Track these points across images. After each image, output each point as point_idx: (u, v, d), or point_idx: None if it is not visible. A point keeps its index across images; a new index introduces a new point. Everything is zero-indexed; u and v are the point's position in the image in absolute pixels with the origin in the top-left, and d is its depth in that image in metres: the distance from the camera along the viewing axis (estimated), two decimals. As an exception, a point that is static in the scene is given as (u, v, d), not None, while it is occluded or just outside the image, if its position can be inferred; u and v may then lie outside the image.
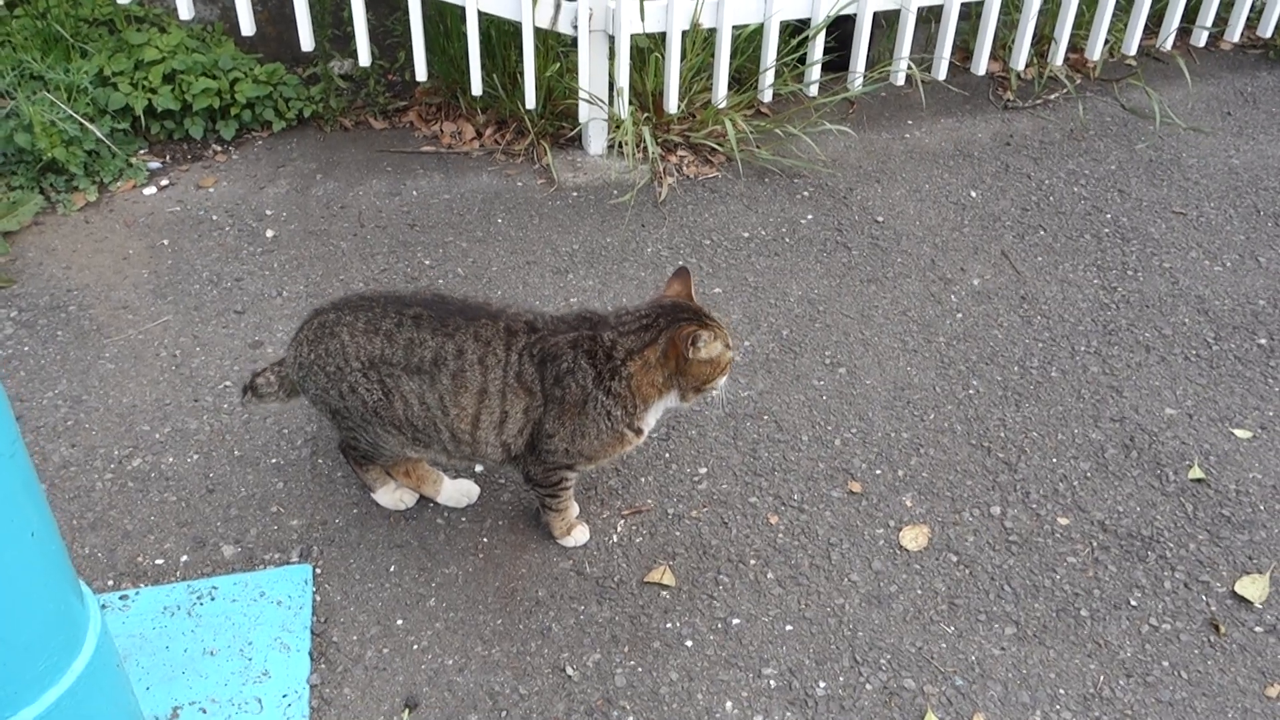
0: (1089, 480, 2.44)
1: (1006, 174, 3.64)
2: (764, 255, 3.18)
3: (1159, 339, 2.89)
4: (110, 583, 2.11)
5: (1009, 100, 4.11)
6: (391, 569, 2.15)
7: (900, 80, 3.86)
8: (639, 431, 1.97)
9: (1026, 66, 4.13)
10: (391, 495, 2.23)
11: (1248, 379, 2.75)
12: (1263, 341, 2.88)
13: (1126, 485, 2.42)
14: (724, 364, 1.92)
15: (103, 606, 2.00)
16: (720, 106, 3.61)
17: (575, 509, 2.22)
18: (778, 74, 3.72)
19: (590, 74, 3.42)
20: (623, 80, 3.42)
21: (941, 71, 3.89)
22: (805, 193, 3.50)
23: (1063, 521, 2.33)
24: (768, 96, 3.74)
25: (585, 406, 1.89)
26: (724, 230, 3.29)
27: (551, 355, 1.88)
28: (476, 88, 3.44)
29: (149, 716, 1.82)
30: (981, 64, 3.94)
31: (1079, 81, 4.22)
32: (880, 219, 3.37)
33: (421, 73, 3.44)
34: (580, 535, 2.20)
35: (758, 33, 3.65)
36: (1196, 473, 2.45)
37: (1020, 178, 3.62)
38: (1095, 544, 2.28)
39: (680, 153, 3.65)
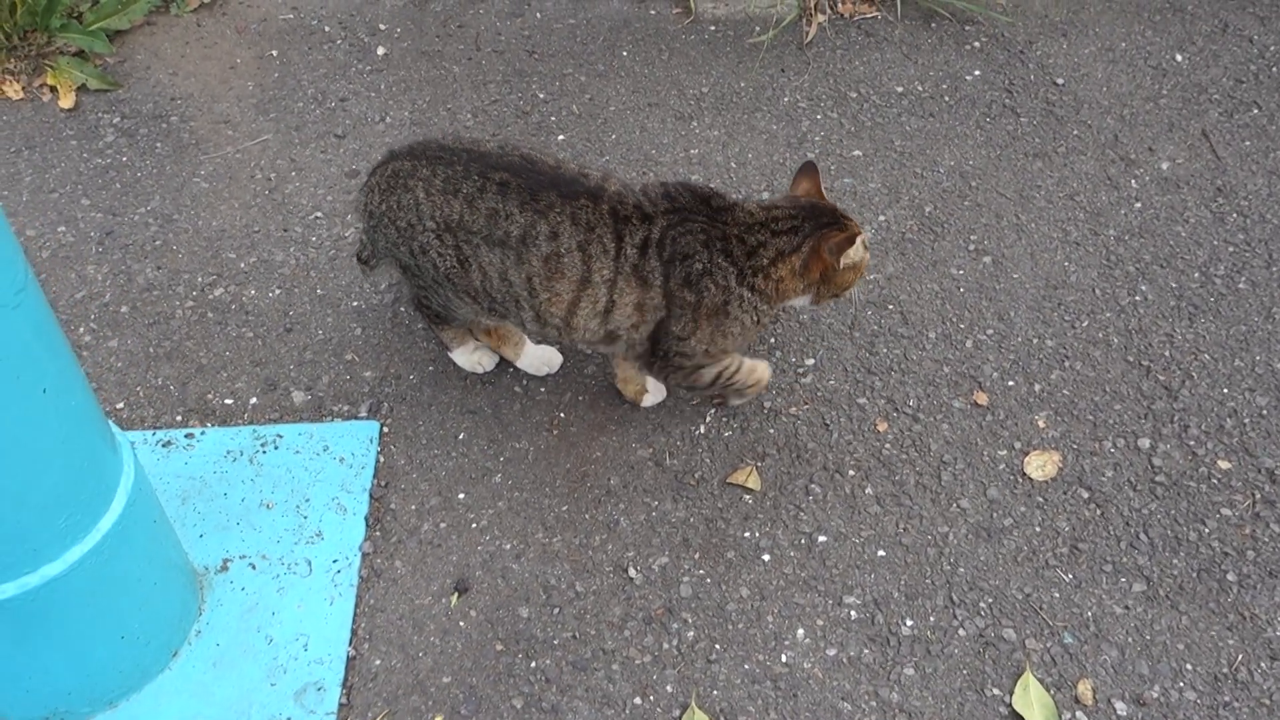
0: (1264, 419, 2.08)
1: (1224, 35, 3.08)
2: (916, 115, 2.79)
3: (1382, 254, 2.42)
4: (179, 418, 2.05)
5: (1242, -57, 3.45)
6: (460, 436, 2.03)
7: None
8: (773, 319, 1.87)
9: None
10: (470, 356, 2.08)
11: None
12: None
13: (1310, 430, 2.06)
14: (862, 268, 1.82)
15: (167, 443, 1.95)
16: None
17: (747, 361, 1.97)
18: (962, -103, 3.19)
19: (741, -113, 2.99)
20: (778, -104, 2.98)
21: (1163, -96, 3.26)
22: (976, 43, 3.04)
23: (1223, 465, 2.00)
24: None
25: (728, 306, 1.75)
26: (874, 82, 2.90)
27: (682, 255, 1.71)
28: (612, -103, 3.06)
29: (199, 566, 1.78)
30: (1215, -103, 3.29)
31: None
32: (1060, 81, 2.90)
33: (553, -124, 3.08)
34: (764, 370, 1.98)
35: None
36: (1401, 424, 2.06)
37: (1240, 41, 3.05)
38: (1259, 496, 1.95)
39: (841, -15, 3.22)
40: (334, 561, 1.80)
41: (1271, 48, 3.02)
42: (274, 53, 2.97)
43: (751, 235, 1.74)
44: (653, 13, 3.14)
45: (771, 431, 2.05)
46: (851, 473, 1.98)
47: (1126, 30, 3.10)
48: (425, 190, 1.74)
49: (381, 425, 2.04)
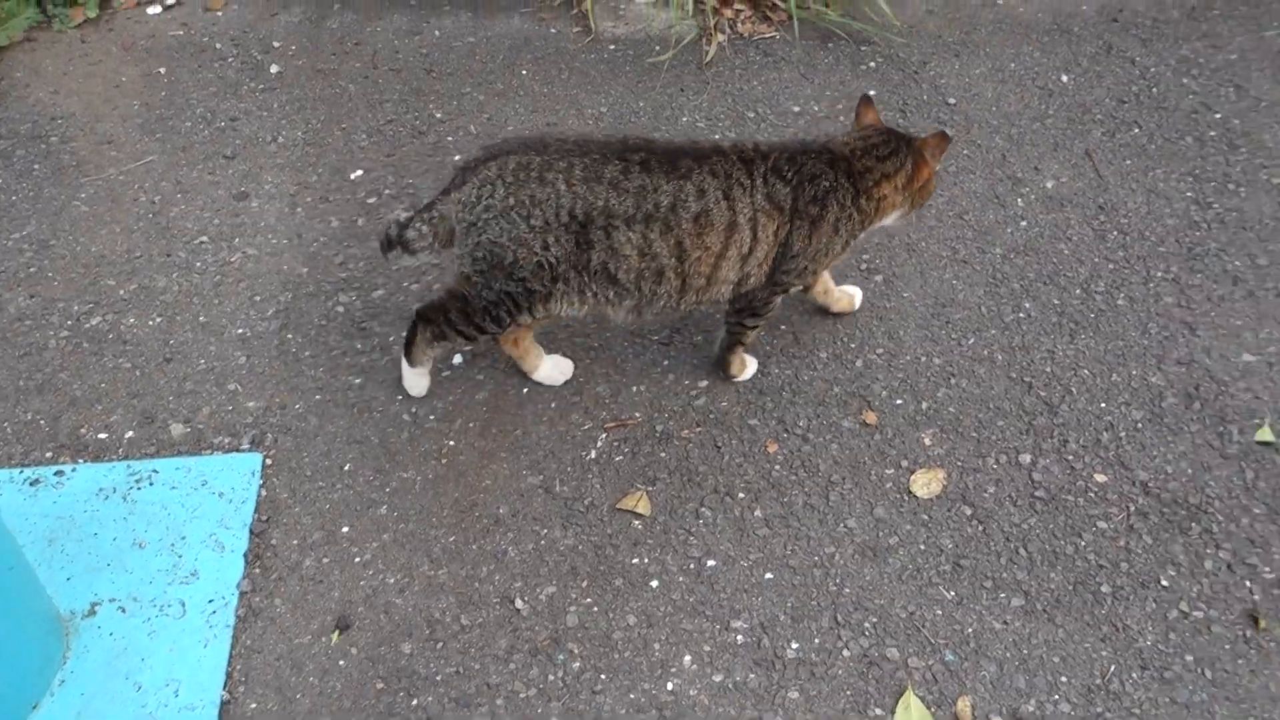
0: (1139, 432, 2.15)
1: (1108, 56, 3.18)
2: (813, 135, 2.82)
3: (1250, 269, 2.51)
4: (49, 454, 1.98)
5: (1126, -34, 3.57)
6: (346, 467, 1.99)
7: (998, -64, 3.35)
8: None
9: (1151, -73, 3.56)
10: (422, 381, 2.08)
11: (1349, 327, 2.38)
12: (1376, 283, 2.49)
13: (1181, 442, 2.13)
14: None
15: (35, 482, 1.88)
16: (785, -45, 3.17)
17: None
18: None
19: (638, -93, 3.00)
20: (674, -83, 3.00)
21: (1049, -72, 3.37)
22: (872, 63, 3.10)
23: (1100, 478, 2.06)
24: (841, -54, 3.27)
25: (839, 224, 1.94)
26: (772, 101, 2.93)
27: (810, 176, 1.90)
28: (509, -85, 3.05)
29: (65, 611, 1.72)
30: (1098, -79, 3.40)
31: (1213, -52, 3.64)
32: (952, 101, 2.97)
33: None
34: (751, 366, 2.18)
35: None
36: (1265, 434, 2.14)
37: (1123, 62, 3.16)
38: (1133, 508, 2.01)
39: (738, 6, 3.25)
40: (210, 602, 1.75)
41: (1152, 69, 3.13)
42: (161, 70, 2.90)
43: (860, 161, 1.95)
44: (553, 31, 3.14)
45: (663, 455, 2.05)
46: (742, 495, 1.99)
47: (1016, 51, 3.18)
48: (566, 181, 1.78)
49: (264, 457, 1.99)
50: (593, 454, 2.04)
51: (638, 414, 2.11)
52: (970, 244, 2.53)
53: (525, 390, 2.14)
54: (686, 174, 1.82)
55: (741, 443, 2.08)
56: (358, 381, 2.14)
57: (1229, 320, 2.39)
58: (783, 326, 2.31)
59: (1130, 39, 3.26)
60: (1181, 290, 2.45)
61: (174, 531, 1.83)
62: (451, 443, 2.04)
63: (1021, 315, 2.38)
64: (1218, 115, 2.97)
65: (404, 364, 2.04)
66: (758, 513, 1.97)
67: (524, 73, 2.97)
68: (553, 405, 2.11)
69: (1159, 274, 2.49)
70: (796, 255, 1.93)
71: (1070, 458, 2.10)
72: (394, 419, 2.07)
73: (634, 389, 2.16)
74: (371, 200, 2.55)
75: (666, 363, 2.22)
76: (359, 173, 2.62)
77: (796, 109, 2.90)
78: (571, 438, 2.06)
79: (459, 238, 1.83)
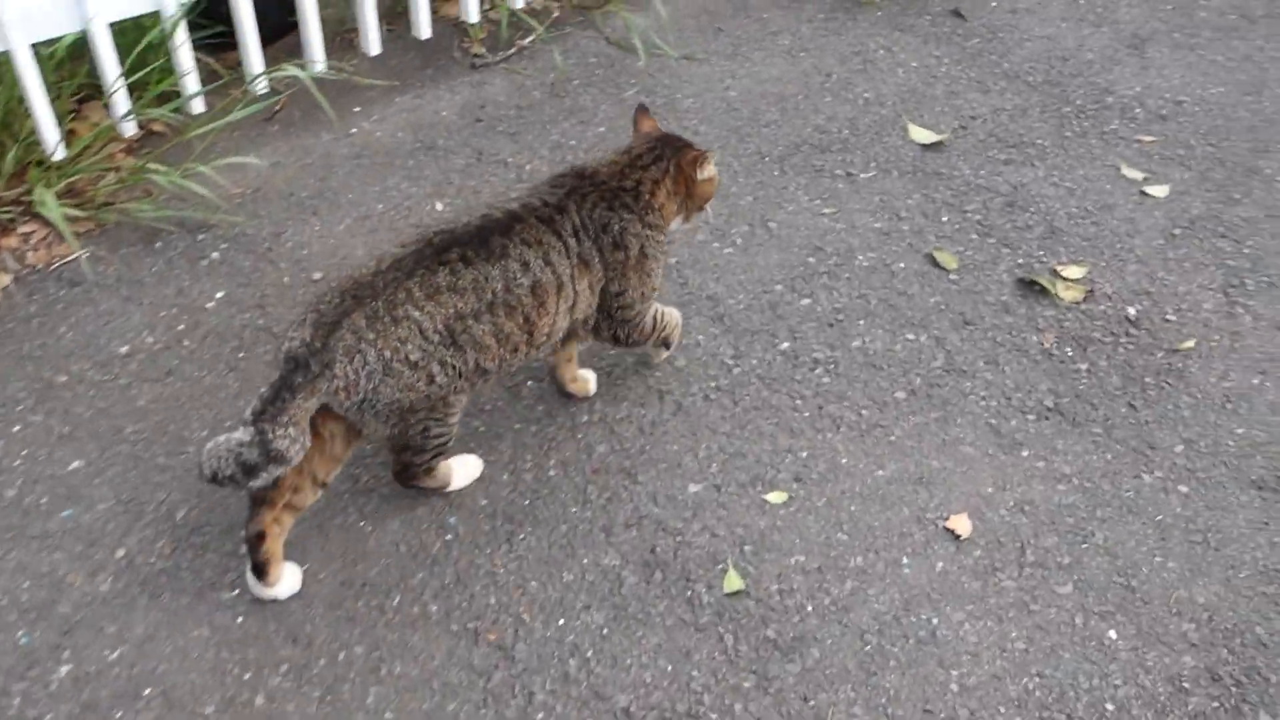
0: (607, 641, 1.83)
1: (479, 166, 2.92)
2: (151, 380, 2.24)
3: (673, 377, 2.33)
4: None
5: (477, 56, 3.36)
6: None
7: (319, 69, 2.95)
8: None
9: (484, 6, 3.38)
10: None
11: (775, 408, 2.26)
12: (785, 346, 2.41)
13: (653, 634, 1.85)
14: (715, 182, 2.10)
15: None
16: (56, 158, 2.54)
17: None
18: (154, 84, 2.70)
19: None
20: None
21: (373, 44, 3.03)
22: (215, 254, 2.57)
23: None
24: (129, 129, 2.70)
25: (644, 250, 2.00)
26: (88, 352, 2.31)
27: (602, 225, 1.95)
28: None
29: None
30: (423, 25, 3.12)
31: (556, 14, 3.55)
32: (318, 275, 2.53)
33: None
34: (676, 312, 2.24)
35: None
36: (733, 581, 1.93)
37: (496, 168, 2.91)
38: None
39: (24, 229, 2.57)
40: None
41: (528, 166, 2.93)
42: None
43: (628, 179, 1.99)
44: None
45: None
46: None
47: (380, 188, 2.84)
48: (415, 306, 1.74)
49: None
50: None
51: None
52: (370, 456, 2.10)
53: None
54: (503, 254, 1.83)
55: None
56: None
57: (665, 448, 2.17)
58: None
59: (498, 136, 3.03)
60: (610, 430, 2.20)
61: None
62: None
63: (449, 538, 1.99)
64: (601, 202, 2.81)
65: None
66: None
67: None
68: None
69: (585, 419, 2.22)
70: (622, 293, 2.00)
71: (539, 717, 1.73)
72: None
73: None
74: None
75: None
76: None
77: (124, 350, 2.31)
78: None
79: (354, 418, 1.77)
